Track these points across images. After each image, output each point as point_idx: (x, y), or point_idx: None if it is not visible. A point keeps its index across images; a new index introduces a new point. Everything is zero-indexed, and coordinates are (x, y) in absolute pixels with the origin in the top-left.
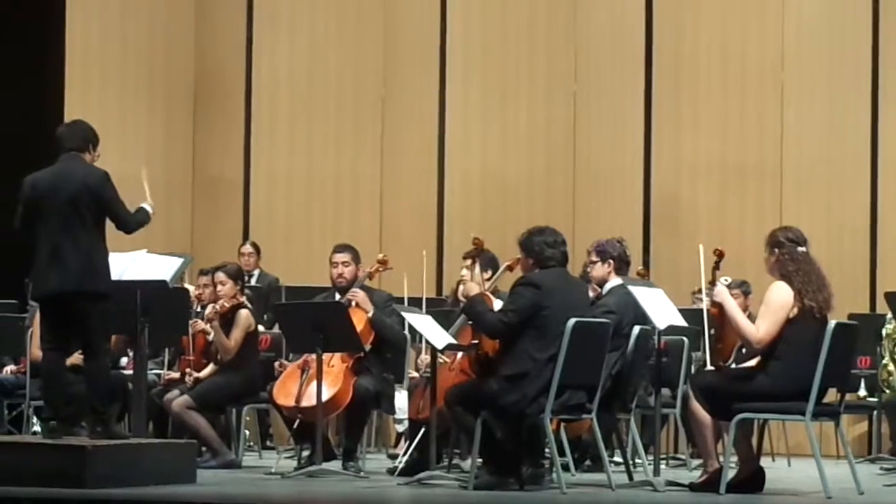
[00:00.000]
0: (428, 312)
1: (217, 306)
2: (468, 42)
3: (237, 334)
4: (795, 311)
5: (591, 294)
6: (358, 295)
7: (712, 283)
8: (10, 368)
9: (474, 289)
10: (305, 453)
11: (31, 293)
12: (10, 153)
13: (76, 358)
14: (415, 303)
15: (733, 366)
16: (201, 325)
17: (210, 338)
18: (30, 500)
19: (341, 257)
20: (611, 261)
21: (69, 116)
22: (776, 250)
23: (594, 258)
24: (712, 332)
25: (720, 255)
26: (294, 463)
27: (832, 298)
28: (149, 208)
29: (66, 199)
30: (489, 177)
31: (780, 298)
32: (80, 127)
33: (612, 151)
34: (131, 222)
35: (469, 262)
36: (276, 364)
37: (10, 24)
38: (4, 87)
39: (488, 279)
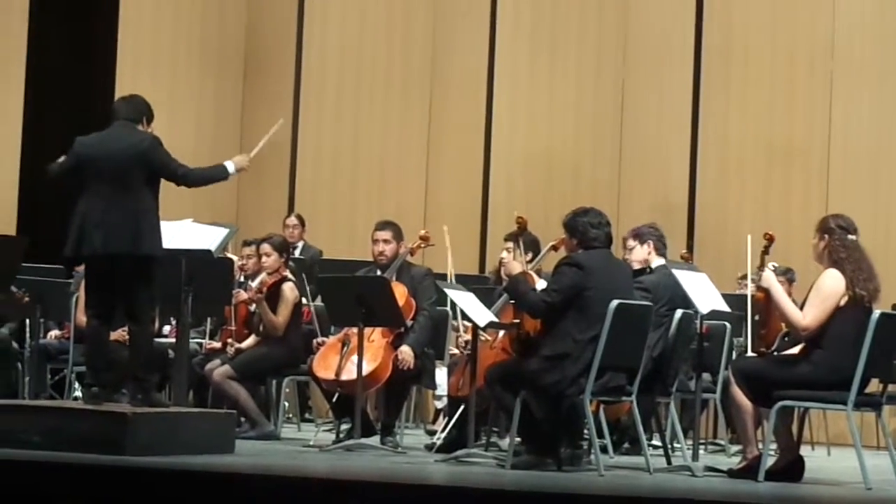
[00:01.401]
0: (469, 290)
1: (260, 283)
2: (518, 20)
3: (284, 311)
4: (845, 299)
5: (635, 266)
6: (409, 361)
7: (760, 268)
8: (54, 333)
9: (517, 268)
10: (345, 427)
11: (75, 254)
12: (62, 121)
13: (119, 334)
14: (464, 280)
15: (776, 353)
16: (244, 295)
17: (252, 308)
18: (69, 466)
19: (382, 235)
20: (649, 241)
21: (120, 89)
22: (827, 236)
23: (631, 242)
24: (756, 317)
25: (770, 239)
26: (332, 436)
27: (880, 289)
28: (232, 166)
29: (115, 163)
30: (535, 156)
31: (832, 286)
32: (136, 101)
33: (659, 134)
34: (193, 177)
35: (511, 243)
36: (315, 341)
37: None
38: (57, 61)
39: (529, 261)
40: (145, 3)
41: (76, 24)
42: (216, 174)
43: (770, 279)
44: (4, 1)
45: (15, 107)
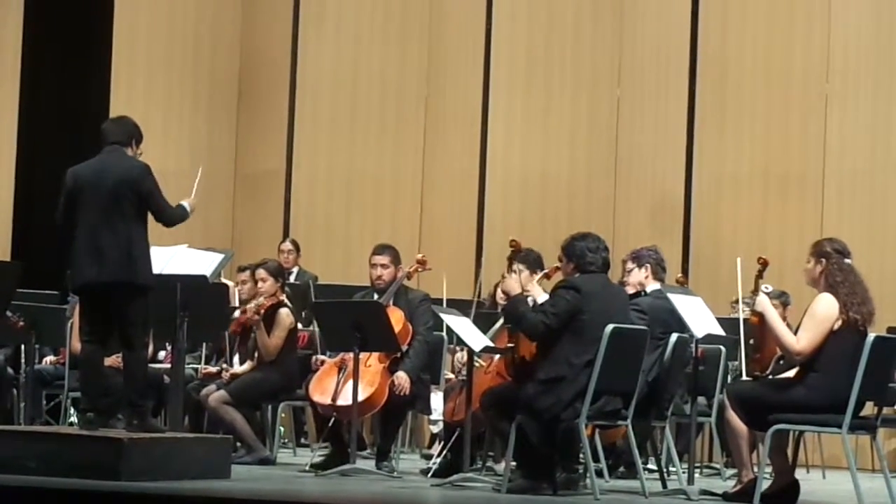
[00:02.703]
0: (466, 314)
1: (257, 305)
2: (513, 44)
3: (279, 334)
4: (839, 323)
5: (630, 290)
6: (405, 387)
7: (754, 292)
8: (49, 359)
9: (516, 288)
10: (324, 451)
11: (73, 284)
12: (56, 146)
13: (114, 360)
14: (459, 305)
15: (770, 377)
16: (248, 313)
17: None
18: (65, 492)
19: (380, 259)
20: (647, 265)
21: (114, 110)
22: (823, 260)
23: (630, 265)
24: (751, 341)
25: (764, 263)
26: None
27: (874, 312)
28: (188, 207)
29: (106, 190)
30: (530, 179)
31: (825, 310)
32: (125, 122)
33: (654, 158)
34: (170, 215)
35: (519, 265)
36: (313, 359)
37: (58, 19)
38: (51, 82)
39: (545, 274)
40: (139, 27)
41: (70, 50)
42: (182, 214)
43: (765, 303)
44: None
45: (8, 133)
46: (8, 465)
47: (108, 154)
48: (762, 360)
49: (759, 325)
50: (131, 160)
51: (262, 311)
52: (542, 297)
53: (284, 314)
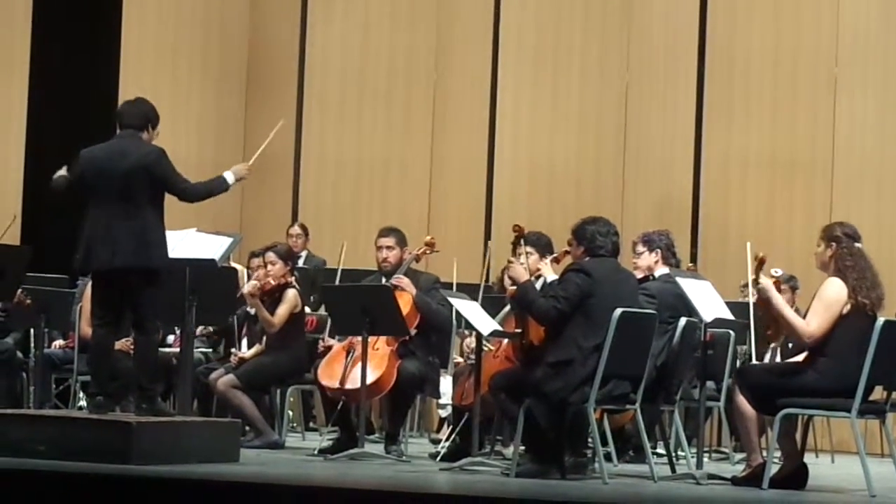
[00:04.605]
0: (476, 298)
1: (259, 284)
2: (521, 28)
3: (282, 310)
4: (848, 307)
5: (638, 274)
6: (402, 280)
7: (756, 283)
8: (58, 343)
9: (523, 275)
10: (333, 435)
11: (83, 268)
12: (65, 129)
13: (123, 344)
14: (468, 289)
15: (778, 359)
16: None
17: (252, 311)
18: (75, 475)
19: (386, 241)
20: (658, 250)
21: (123, 96)
22: (834, 244)
23: (641, 248)
24: (760, 314)
25: (761, 261)
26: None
27: (883, 297)
28: (232, 176)
29: (121, 175)
30: (539, 164)
31: (834, 294)
32: (141, 105)
33: (662, 143)
34: (194, 192)
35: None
36: (321, 342)
37: (67, 4)
38: (60, 65)
39: (554, 258)
40: (148, 12)
41: (79, 36)
42: (216, 187)
43: (770, 290)
44: (7, 17)
45: (18, 117)
46: (18, 449)
47: (122, 138)
48: (774, 336)
49: (765, 309)
50: (145, 145)
51: (267, 289)
52: (553, 277)
53: (291, 293)
